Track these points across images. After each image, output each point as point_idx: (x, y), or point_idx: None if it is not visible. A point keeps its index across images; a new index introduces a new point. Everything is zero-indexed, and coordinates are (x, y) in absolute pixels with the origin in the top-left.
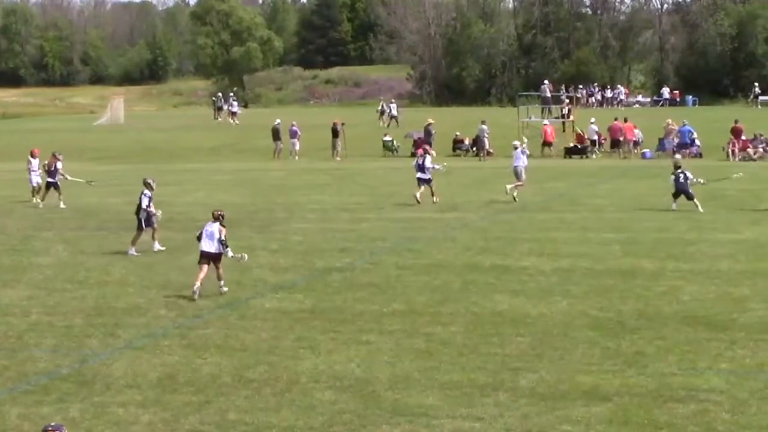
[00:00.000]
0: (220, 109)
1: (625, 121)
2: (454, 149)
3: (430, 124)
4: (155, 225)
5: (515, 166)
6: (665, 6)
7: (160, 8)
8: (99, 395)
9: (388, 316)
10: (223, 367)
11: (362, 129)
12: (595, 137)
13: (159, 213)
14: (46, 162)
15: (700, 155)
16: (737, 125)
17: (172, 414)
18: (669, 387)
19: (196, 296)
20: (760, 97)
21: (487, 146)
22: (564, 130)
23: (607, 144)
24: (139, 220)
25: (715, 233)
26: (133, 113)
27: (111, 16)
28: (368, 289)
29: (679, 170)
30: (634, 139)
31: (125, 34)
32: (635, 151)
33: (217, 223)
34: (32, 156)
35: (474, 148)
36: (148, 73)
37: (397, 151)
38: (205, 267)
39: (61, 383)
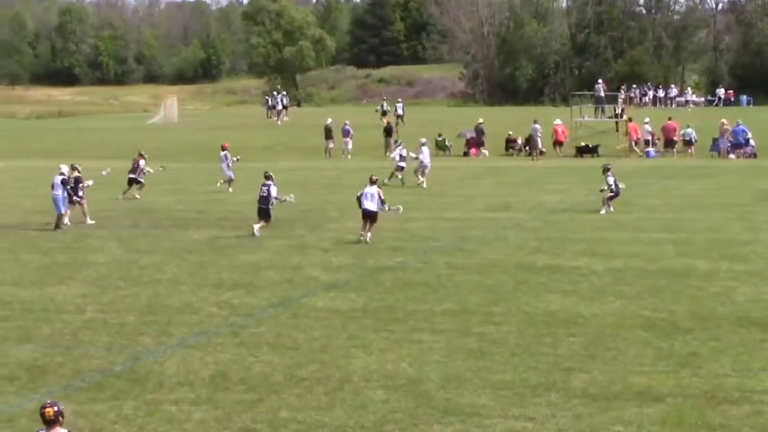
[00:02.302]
0: (273, 107)
1: (630, 120)
2: (506, 148)
3: (481, 124)
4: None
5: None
6: (720, 5)
7: (214, 7)
8: (152, 393)
9: (440, 316)
10: (275, 365)
11: (415, 128)
12: (649, 137)
13: (292, 197)
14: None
15: (755, 155)
16: None
17: (224, 412)
18: (722, 388)
19: (365, 241)
20: None
21: (539, 146)
22: (617, 130)
23: (660, 144)
24: (266, 210)
25: None
26: (187, 112)
27: (165, 15)
28: (420, 288)
29: (612, 171)
30: (640, 137)
31: (179, 33)
32: (636, 149)
33: (375, 186)
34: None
35: (527, 148)
36: (202, 72)
37: (449, 150)
38: (368, 222)
39: (115, 380)
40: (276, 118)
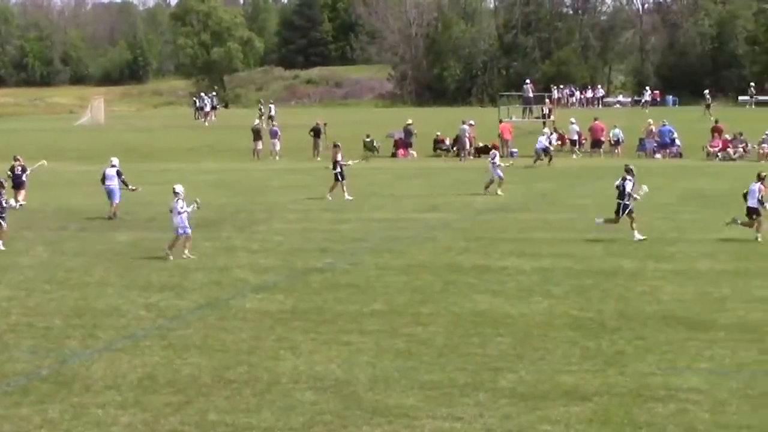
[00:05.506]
0: (200, 109)
1: (501, 122)
2: (434, 149)
3: (410, 125)
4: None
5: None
6: (646, 6)
7: (141, 8)
8: (78, 396)
9: (369, 317)
10: (203, 367)
11: (343, 129)
12: (576, 137)
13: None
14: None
15: (681, 155)
16: (717, 125)
17: (151, 415)
18: (649, 387)
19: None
20: (740, 98)
21: (467, 146)
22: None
23: (587, 144)
24: (625, 206)
25: (695, 233)
26: (114, 113)
27: (91, 16)
28: (348, 289)
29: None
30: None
31: (106, 34)
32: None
33: (759, 183)
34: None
35: (455, 148)
36: (129, 73)
37: (377, 151)
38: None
39: (41, 384)
40: (203, 120)
